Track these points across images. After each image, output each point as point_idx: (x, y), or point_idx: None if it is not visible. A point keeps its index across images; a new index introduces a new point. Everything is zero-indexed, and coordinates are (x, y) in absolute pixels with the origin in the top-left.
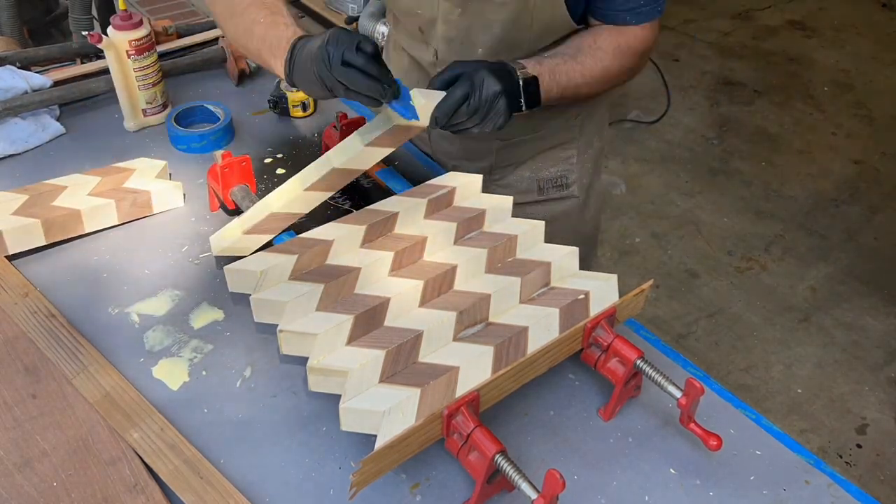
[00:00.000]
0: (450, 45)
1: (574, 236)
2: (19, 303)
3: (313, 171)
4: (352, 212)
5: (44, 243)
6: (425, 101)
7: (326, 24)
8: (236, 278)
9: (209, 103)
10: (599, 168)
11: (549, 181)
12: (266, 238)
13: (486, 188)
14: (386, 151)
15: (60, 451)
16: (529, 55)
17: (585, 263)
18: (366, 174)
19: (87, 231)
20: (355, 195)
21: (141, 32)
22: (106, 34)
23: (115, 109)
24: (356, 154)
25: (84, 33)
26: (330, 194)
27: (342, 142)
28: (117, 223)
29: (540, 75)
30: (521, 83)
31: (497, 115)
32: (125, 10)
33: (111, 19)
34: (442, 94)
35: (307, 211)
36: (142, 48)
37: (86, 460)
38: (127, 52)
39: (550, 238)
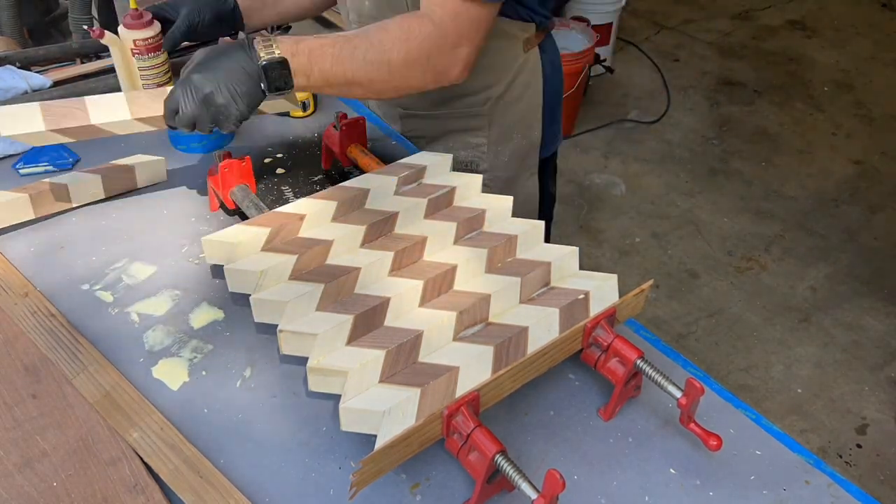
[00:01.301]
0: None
1: None
2: (19, 303)
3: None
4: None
5: (32, 217)
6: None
7: (326, 23)
8: (236, 278)
9: None
10: (530, 168)
11: (461, 163)
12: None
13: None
14: (146, 128)
15: (60, 452)
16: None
17: None
18: (355, 165)
19: (74, 205)
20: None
21: (149, 33)
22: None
23: None
24: (121, 121)
25: (84, 27)
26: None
27: (109, 97)
28: (104, 196)
29: (294, 55)
30: (263, 68)
31: (229, 112)
32: (136, 9)
33: (122, 16)
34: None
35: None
36: (150, 48)
37: (86, 460)
38: (132, 50)
39: None
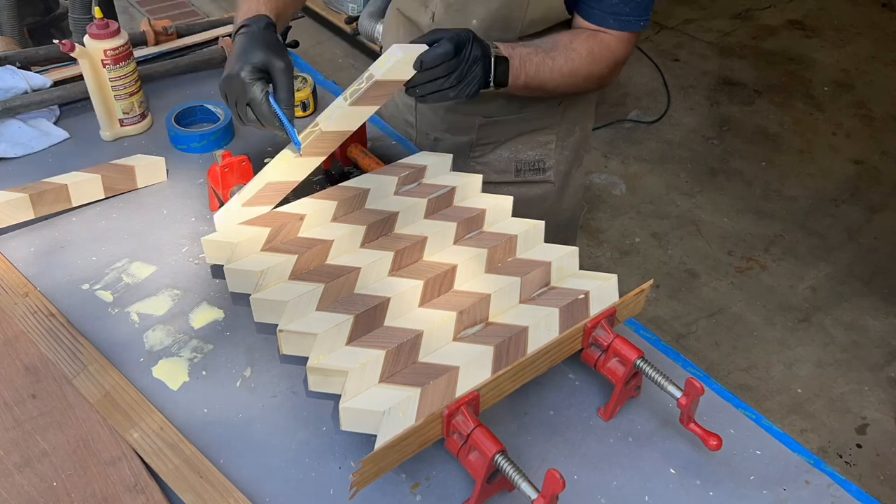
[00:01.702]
0: (447, 11)
1: (549, 222)
2: (19, 302)
3: (304, 138)
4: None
5: (32, 217)
6: (403, 55)
7: (327, 24)
8: (236, 278)
9: (209, 103)
10: (580, 158)
11: (527, 164)
12: (265, 209)
13: (466, 165)
14: (371, 110)
15: (60, 451)
16: (515, 40)
17: None
18: (355, 165)
19: (73, 205)
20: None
21: (118, 41)
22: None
23: None
24: (342, 115)
25: (55, 41)
26: (322, 159)
27: (330, 105)
28: (104, 196)
29: (511, 59)
30: (493, 60)
31: (473, 80)
32: (102, 19)
33: (87, 27)
34: (423, 47)
35: (302, 178)
36: (118, 57)
37: (86, 460)
38: (102, 61)
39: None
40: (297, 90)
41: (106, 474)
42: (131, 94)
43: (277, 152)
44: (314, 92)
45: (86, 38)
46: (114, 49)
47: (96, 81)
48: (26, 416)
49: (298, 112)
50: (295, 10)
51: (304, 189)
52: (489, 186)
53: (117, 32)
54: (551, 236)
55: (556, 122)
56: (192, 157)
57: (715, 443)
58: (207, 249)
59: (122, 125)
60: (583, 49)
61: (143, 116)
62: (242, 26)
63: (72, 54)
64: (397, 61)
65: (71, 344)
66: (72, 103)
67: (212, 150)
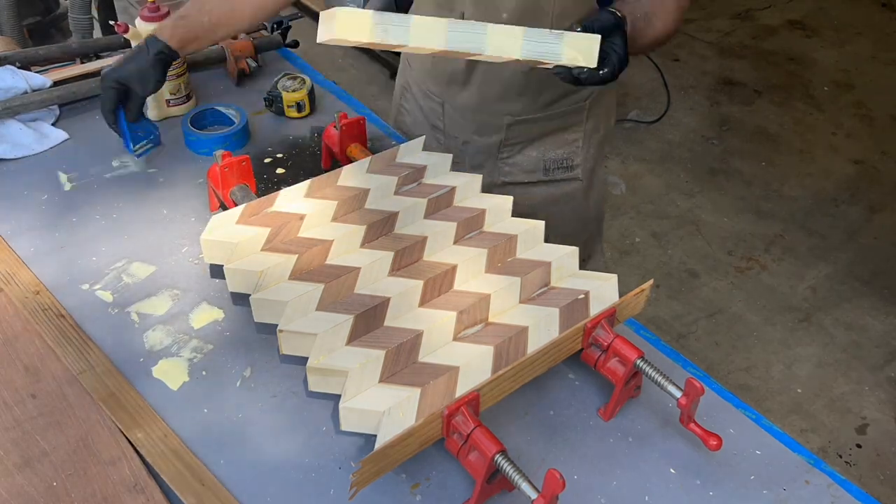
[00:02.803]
0: (476, 7)
1: (577, 219)
2: (30, 298)
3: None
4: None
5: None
6: (585, 42)
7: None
8: (236, 278)
9: (220, 105)
10: (603, 154)
11: (555, 162)
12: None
13: (494, 167)
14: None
15: (60, 451)
16: (556, 24)
17: (589, 248)
18: (348, 157)
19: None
20: None
21: None
22: (112, 33)
23: None
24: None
25: (111, 23)
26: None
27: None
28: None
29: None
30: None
31: (621, 61)
32: (153, 2)
33: (140, 11)
34: (597, 37)
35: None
36: None
37: (86, 460)
38: None
39: (555, 220)
40: (294, 91)
41: (106, 474)
42: (178, 76)
43: (277, 153)
44: (312, 93)
45: (137, 21)
46: None
47: None
48: (26, 416)
49: (293, 112)
50: (214, 41)
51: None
52: (518, 187)
53: (167, 16)
54: (579, 232)
55: (582, 120)
56: (192, 157)
57: (715, 443)
58: (206, 249)
59: (168, 105)
60: (672, 7)
61: (188, 97)
62: (148, 38)
63: (125, 35)
64: (586, 47)
65: (79, 344)
66: (72, 103)
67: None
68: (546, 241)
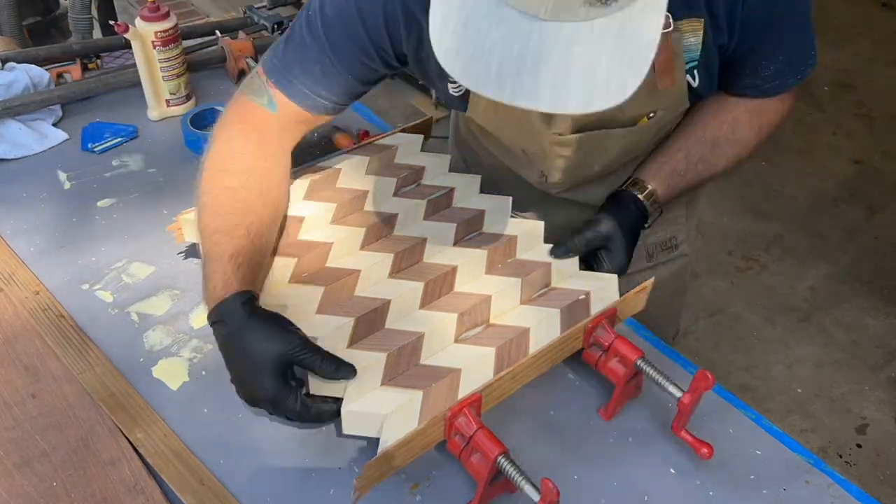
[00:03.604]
0: (562, 172)
1: (679, 293)
2: (30, 297)
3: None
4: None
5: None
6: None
7: None
8: None
9: (220, 105)
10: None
11: (659, 245)
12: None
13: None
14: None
15: (60, 451)
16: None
17: (678, 315)
18: (336, 147)
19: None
20: None
21: (167, 24)
22: (112, 33)
23: (116, 109)
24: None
25: (111, 23)
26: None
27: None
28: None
29: (662, 187)
30: (646, 212)
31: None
32: (153, 2)
33: (139, 11)
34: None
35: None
36: (167, 39)
37: (86, 460)
38: (152, 42)
39: (654, 303)
40: None
41: (106, 474)
42: (178, 76)
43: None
44: None
45: (137, 21)
46: (164, 31)
47: (146, 62)
48: (26, 415)
49: None
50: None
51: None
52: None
53: (167, 16)
54: (680, 302)
55: (686, 194)
56: (192, 157)
57: (706, 451)
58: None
59: (168, 105)
60: (747, 134)
61: (188, 97)
62: (218, 318)
63: (125, 35)
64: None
65: (79, 344)
66: (72, 103)
67: None
68: (660, 334)
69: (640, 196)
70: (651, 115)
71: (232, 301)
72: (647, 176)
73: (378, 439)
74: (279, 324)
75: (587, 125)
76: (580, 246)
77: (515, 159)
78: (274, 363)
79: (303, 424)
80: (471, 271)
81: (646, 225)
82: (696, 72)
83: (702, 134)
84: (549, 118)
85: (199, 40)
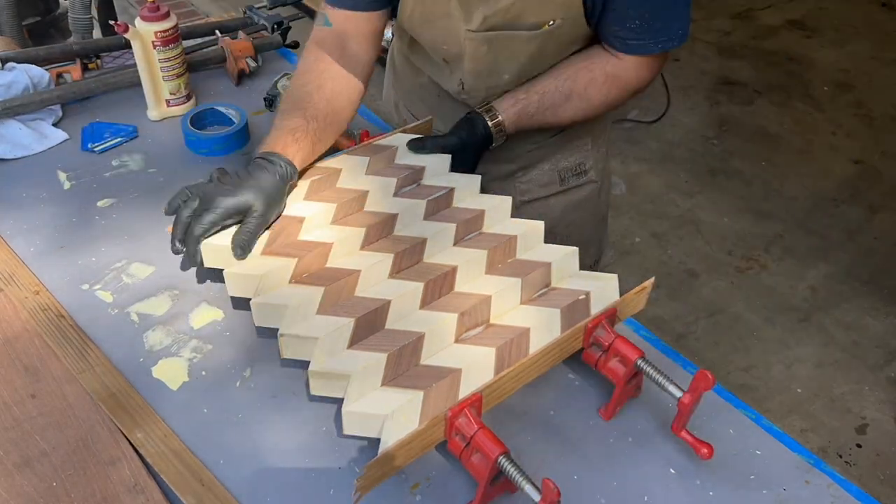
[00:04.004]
0: (476, 77)
1: (592, 220)
2: (30, 297)
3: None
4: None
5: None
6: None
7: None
8: (236, 282)
9: (220, 105)
10: (609, 148)
11: (569, 170)
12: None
13: (512, 187)
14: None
15: (60, 451)
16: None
17: (598, 244)
18: (336, 147)
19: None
20: None
21: (167, 24)
22: (111, 33)
23: (116, 109)
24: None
25: (111, 23)
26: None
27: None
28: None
29: (510, 121)
30: (492, 134)
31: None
32: (153, 2)
33: (139, 11)
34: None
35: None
36: (167, 39)
37: (85, 460)
38: (153, 42)
39: (571, 226)
40: None
41: (106, 474)
42: (178, 76)
43: None
44: None
45: (137, 21)
46: (164, 31)
47: (146, 62)
48: (26, 415)
49: None
50: (325, 148)
51: None
52: (536, 203)
53: (167, 16)
54: (596, 233)
55: (590, 125)
56: (192, 157)
57: (706, 451)
58: (206, 253)
59: (168, 105)
60: (597, 96)
61: (188, 97)
62: (266, 156)
63: (125, 35)
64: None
65: (79, 344)
66: (72, 103)
67: (229, 153)
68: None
69: (490, 123)
70: (552, 22)
71: (270, 155)
72: (501, 107)
73: (379, 439)
74: (275, 198)
75: (497, 24)
76: (433, 148)
77: (438, 70)
78: (237, 202)
79: (303, 424)
80: (471, 271)
81: (490, 147)
82: None
83: (561, 84)
84: (466, 14)
85: (199, 40)
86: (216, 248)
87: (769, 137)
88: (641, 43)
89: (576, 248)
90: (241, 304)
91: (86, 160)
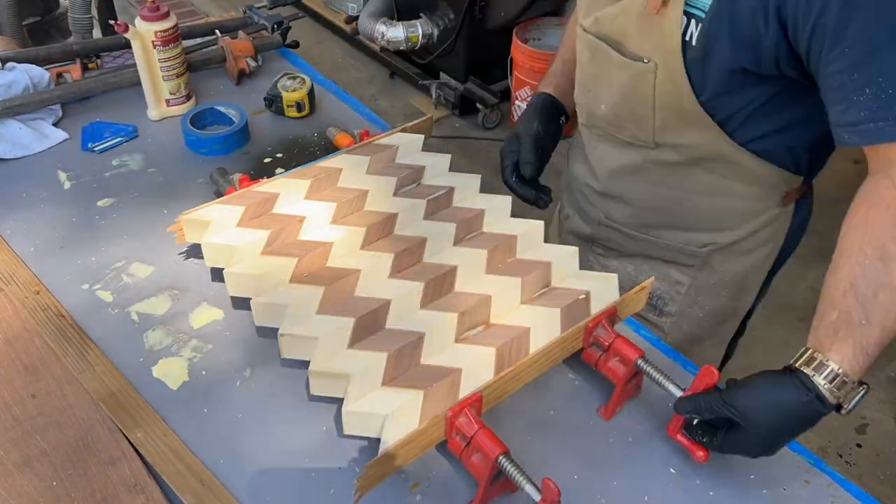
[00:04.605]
0: (580, 89)
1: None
2: (30, 297)
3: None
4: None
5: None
6: None
7: (326, 23)
8: (236, 282)
9: (220, 105)
10: (722, 336)
11: (655, 295)
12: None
13: (585, 259)
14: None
15: (60, 451)
16: (650, 144)
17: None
18: (336, 147)
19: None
20: None
21: (167, 24)
22: (111, 33)
23: (116, 109)
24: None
25: (111, 23)
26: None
27: None
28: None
29: (844, 362)
30: (824, 399)
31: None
32: (153, 2)
33: (139, 11)
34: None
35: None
36: (167, 39)
37: (85, 460)
38: (152, 42)
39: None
40: (294, 91)
41: (106, 474)
42: (178, 76)
43: (277, 153)
44: (311, 93)
45: (137, 20)
46: (164, 31)
47: (146, 62)
48: (26, 415)
49: (293, 112)
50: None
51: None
52: None
53: (167, 16)
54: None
55: (693, 264)
56: (192, 157)
57: (702, 454)
58: (206, 252)
59: (168, 105)
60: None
61: (188, 97)
62: (536, 96)
63: (125, 35)
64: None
65: (79, 344)
66: (72, 103)
67: (229, 153)
68: None
69: (814, 378)
70: (646, 60)
71: (543, 96)
72: (820, 344)
73: (379, 439)
74: (541, 120)
75: (602, 33)
76: (701, 408)
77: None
78: (525, 135)
79: (303, 424)
80: (471, 271)
81: (840, 412)
82: (698, 26)
83: (858, 250)
84: (588, 9)
85: (199, 40)
86: (216, 247)
87: None
88: (872, 126)
89: (576, 248)
90: (242, 303)
91: (86, 160)
